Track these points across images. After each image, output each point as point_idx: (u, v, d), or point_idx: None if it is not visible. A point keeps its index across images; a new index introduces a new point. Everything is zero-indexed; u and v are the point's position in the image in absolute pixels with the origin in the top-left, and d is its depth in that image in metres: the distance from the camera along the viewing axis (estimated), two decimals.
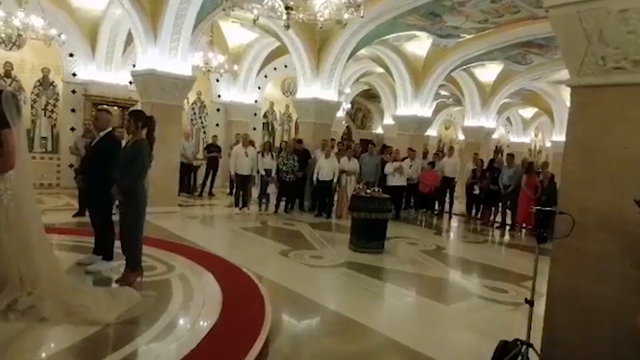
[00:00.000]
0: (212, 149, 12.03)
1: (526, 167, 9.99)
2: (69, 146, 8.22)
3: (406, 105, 13.44)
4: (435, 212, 11.72)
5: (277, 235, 7.86)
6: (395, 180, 10.20)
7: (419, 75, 13.09)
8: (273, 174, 9.72)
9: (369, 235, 6.88)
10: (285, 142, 11.80)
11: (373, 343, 3.82)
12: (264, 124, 15.53)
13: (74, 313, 3.55)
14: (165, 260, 5.43)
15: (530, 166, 10.09)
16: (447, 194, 11.82)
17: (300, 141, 10.59)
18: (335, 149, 10.94)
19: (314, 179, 9.78)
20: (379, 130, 21.31)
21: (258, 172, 9.83)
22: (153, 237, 6.10)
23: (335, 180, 9.79)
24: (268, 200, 9.90)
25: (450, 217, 11.73)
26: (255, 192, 10.41)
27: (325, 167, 9.70)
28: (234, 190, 10.31)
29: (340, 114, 16.48)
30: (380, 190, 7.48)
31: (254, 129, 14.77)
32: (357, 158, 10.26)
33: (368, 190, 7.23)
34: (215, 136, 12.49)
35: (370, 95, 20.00)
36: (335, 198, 10.18)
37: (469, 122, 16.18)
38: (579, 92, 3.25)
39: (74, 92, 11.20)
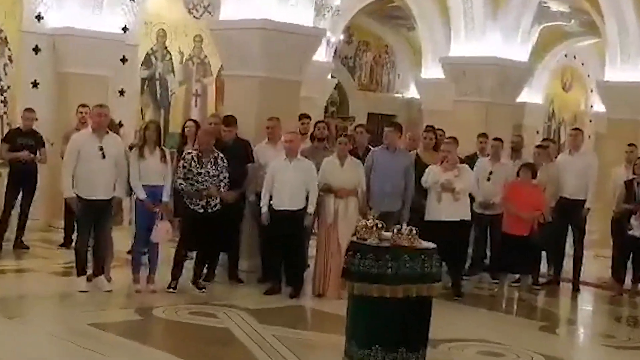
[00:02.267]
0: (22, 140, 12.01)
1: None
2: None
3: (471, 35, 13.75)
4: (543, 278, 11.89)
5: (177, 341, 7.83)
6: (447, 210, 10.37)
7: None
8: (167, 198, 9.76)
9: (390, 335, 6.93)
10: (195, 122, 11.84)
11: None
12: (144, 81, 15.62)
13: None
14: None
15: None
16: (569, 237, 12.02)
17: (228, 121, 10.63)
18: (307, 141, 11.03)
19: (263, 207, 9.91)
20: (411, 94, 21.55)
21: (131, 193, 9.84)
22: None
23: (311, 209, 9.94)
24: (156, 257, 9.92)
25: (575, 290, 11.92)
26: (124, 238, 10.38)
27: (286, 181, 9.82)
28: (76, 236, 10.28)
29: (323, 57, 16.61)
30: (416, 231, 7.56)
31: (121, 92, 14.92)
32: (360, 158, 10.41)
33: (386, 233, 7.31)
34: (30, 111, 12.48)
35: (390, 14, 20.23)
36: (313, 251, 10.26)
37: (615, 73, 16.47)
38: None
39: None
